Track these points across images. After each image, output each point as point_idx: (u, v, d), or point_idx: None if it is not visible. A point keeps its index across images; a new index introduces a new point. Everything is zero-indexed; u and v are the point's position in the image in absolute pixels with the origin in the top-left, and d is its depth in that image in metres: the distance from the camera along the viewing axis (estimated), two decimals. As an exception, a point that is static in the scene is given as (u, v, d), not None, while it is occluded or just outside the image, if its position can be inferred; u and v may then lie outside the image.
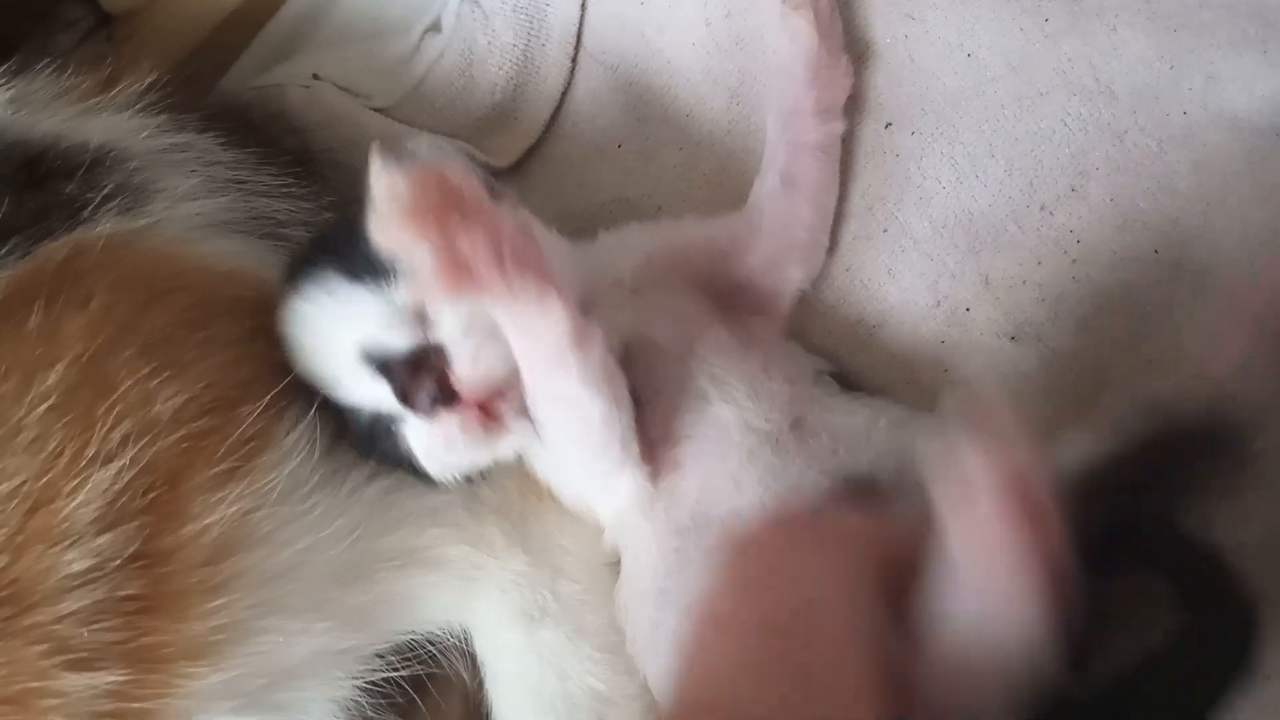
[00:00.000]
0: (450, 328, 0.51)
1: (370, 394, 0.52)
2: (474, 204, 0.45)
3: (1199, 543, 0.48)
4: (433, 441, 0.51)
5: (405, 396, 0.50)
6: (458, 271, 0.45)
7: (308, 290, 0.53)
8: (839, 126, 0.63)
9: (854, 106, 0.65)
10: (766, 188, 0.63)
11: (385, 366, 0.51)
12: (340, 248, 0.53)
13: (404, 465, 0.53)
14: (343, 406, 0.53)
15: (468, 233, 0.45)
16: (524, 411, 0.52)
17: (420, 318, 0.51)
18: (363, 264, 0.51)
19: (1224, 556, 0.47)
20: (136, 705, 0.42)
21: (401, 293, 0.51)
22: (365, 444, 0.54)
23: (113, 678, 0.42)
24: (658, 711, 0.54)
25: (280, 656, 0.46)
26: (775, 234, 0.62)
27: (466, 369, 0.50)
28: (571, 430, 0.53)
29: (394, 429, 0.52)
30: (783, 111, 0.62)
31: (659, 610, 0.55)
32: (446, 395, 0.50)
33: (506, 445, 0.53)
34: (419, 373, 0.50)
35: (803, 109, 0.62)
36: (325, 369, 0.52)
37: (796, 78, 0.62)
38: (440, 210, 0.44)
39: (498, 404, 0.51)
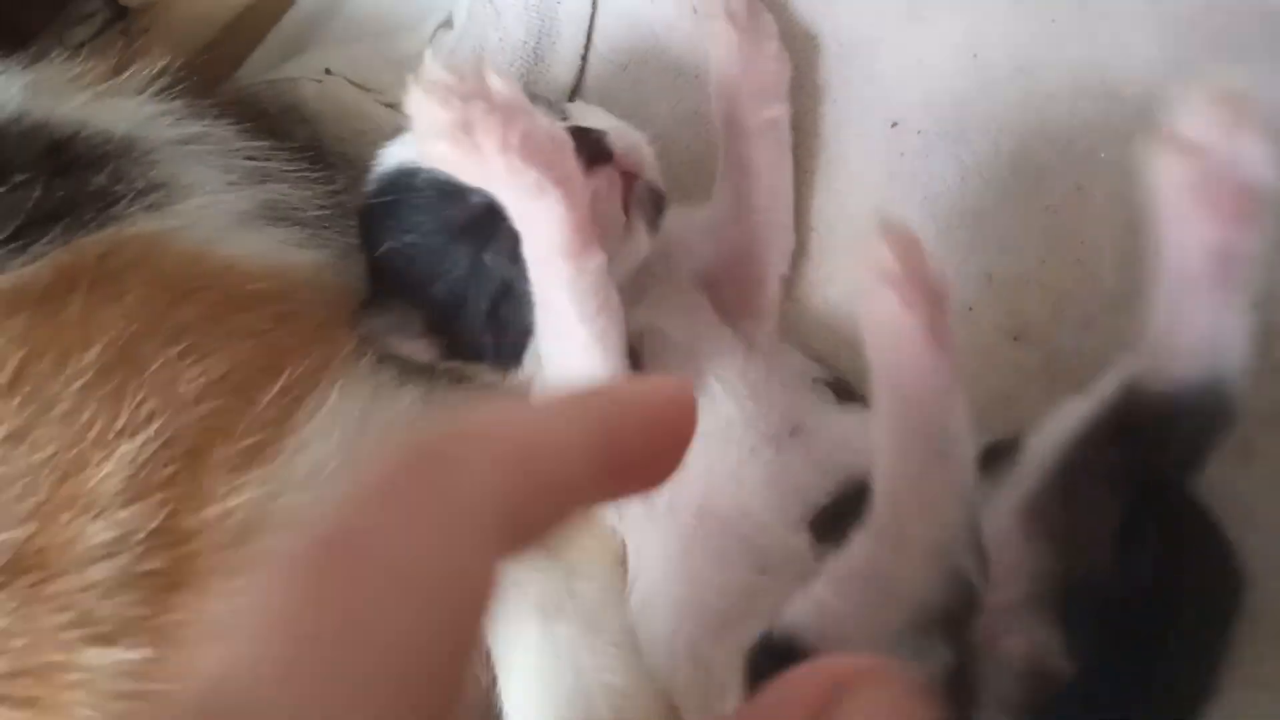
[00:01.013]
0: (597, 122, 0.55)
1: None
2: (503, 97, 0.47)
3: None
4: (578, 203, 0.50)
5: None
6: (464, 146, 0.47)
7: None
8: (779, 110, 0.64)
9: (861, 106, 0.66)
10: (720, 178, 0.64)
11: None
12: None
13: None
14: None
15: (486, 116, 0.47)
16: (651, 224, 0.56)
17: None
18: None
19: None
20: (158, 686, 0.42)
21: (544, 105, 0.54)
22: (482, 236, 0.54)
23: (134, 654, 0.42)
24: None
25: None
26: (736, 221, 0.63)
27: (620, 141, 0.54)
28: (556, 351, 0.54)
29: None
30: (723, 106, 0.64)
31: (666, 608, 0.55)
32: (603, 154, 0.52)
33: (631, 248, 0.55)
34: (580, 131, 0.51)
35: (739, 98, 0.63)
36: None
37: (728, 74, 0.64)
38: (468, 94, 0.47)
39: (636, 192, 0.54)
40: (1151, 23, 0.60)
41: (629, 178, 0.54)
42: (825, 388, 0.60)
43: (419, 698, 0.23)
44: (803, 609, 0.45)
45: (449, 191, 0.54)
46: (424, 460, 0.26)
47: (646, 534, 0.56)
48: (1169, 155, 0.41)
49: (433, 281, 0.56)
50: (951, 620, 0.42)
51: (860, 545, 0.43)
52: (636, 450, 0.29)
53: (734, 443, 0.56)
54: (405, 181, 0.57)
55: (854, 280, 0.43)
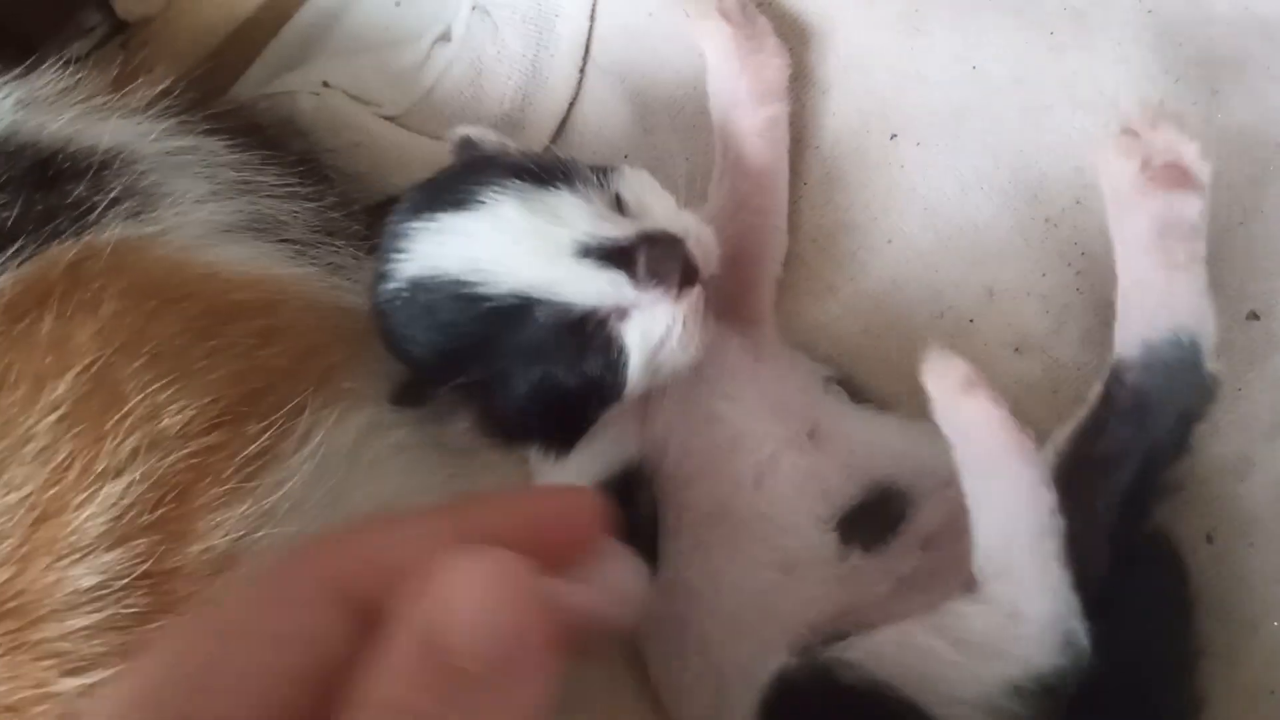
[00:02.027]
0: (662, 212, 0.53)
1: (590, 289, 0.50)
2: None
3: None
4: (670, 326, 0.50)
5: (655, 275, 0.49)
6: None
7: (495, 201, 0.51)
8: (779, 108, 0.63)
9: (861, 118, 0.66)
10: (716, 178, 0.64)
11: (615, 255, 0.50)
12: (508, 164, 0.53)
13: (590, 381, 0.52)
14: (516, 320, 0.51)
15: None
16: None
17: (621, 208, 0.52)
18: (545, 171, 0.52)
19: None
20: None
21: (595, 190, 0.52)
22: (542, 358, 0.52)
23: (104, 673, 0.41)
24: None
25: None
26: (732, 221, 0.63)
27: (697, 246, 0.51)
28: None
29: (604, 329, 0.51)
30: (720, 105, 0.63)
31: (678, 604, 0.54)
32: (690, 273, 0.50)
33: (703, 343, 0.53)
34: (666, 252, 0.50)
35: (739, 99, 0.63)
36: (529, 274, 0.50)
37: (725, 73, 0.63)
38: None
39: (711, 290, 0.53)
40: (1149, 34, 0.60)
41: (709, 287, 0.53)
42: (838, 386, 0.60)
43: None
44: (873, 650, 0.47)
45: (513, 308, 0.51)
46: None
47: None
48: (1115, 148, 0.49)
49: (489, 381, 0.54)
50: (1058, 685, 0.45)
51: (973, 613, 0.46)
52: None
53: (747, 453, 0.56)
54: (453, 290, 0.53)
55: (926, 390, 0.48)
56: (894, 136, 0.65)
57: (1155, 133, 0.48)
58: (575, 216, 0.51)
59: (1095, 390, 0.51)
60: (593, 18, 0.73)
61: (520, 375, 0.52)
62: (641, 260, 0.49)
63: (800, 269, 0.66)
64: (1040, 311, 0.60)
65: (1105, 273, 0.59)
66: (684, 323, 0.50)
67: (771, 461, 0.55)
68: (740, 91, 0.62)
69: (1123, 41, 0.60)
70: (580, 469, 0.55)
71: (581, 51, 0.73)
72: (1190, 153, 0.48)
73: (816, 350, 0.63)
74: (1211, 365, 0.49)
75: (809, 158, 0.67)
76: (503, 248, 0.51)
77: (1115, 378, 0.50)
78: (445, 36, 0.77)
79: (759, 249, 0.63)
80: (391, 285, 0.53)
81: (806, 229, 0.66)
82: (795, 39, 0.68)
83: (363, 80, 0.77)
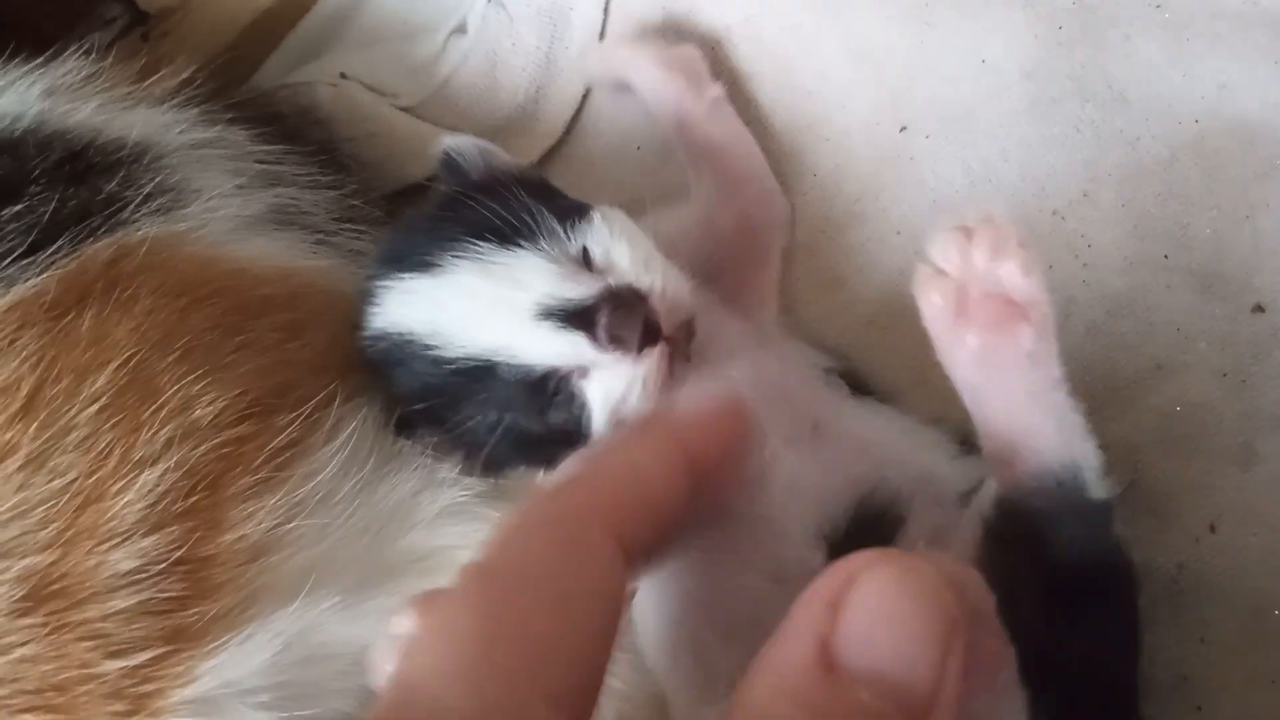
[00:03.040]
0: (628, 267, 0.51)
1: (548, 351, 0.50)
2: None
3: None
4: (629, 385, 0.50)
5: (615, 339, 0.49)
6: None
7: (453, 265, 0.52)
8: (716, 88, 0.66)
9: (871, 110, 0.66)
10: (692, 176, 0.66)
11: (575, 317, 0.50)
12: (472, 219, 0.53)
13: (555, 430, 0.52)
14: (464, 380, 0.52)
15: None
16: (686, 358, 0.53)
17: (586, 267, 0.52)
18: (509, 227, 0.52)
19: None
20: (159, 678, 0.44)
21: (560, 246, 0.52)
22: (509, 412, 0.52)
23: (146, 655, 0.43)
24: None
25: (300, 639, 0.47)
26: (729, 201, 0.64)
27: (662, 303, 0.50)
28: None
29: (565, 386, 0.51)
30: (667, 114, 0.66)
31: (674, 600, 0.55)
32: (652, 332, 0.50)
33: (673, 390, 0.52)
34: (626, 313, 0.49)
35: (678, 97, 0.65)
36: (489, 338, 0.51)
37: (657, 83, 0.66)
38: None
39: (679, 340, 0.52)
40: (1157, 28, 0.60)
41: (673, 341, 0.52)
42: (838, 377, 0.60)
43: (571, 685, 0.30)
44: None
45: (476, 369, 0.52)
46: (553, 506, 0.34)
47: None
48: (924, 284, 0.43)
49: (461, 428, 0.54)
50: None
51: None
52: (711, 461, 0.37)
53: (754, 446, 0.56)
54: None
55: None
56: (903, 129, 0.66)
57: (967, 265, 0.42)
58: (535, 279, 0.51)
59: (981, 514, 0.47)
60: (606, 10, 0.74)
61: (489, 425, 0.53)
62: (602, 322, 0.49)
63: (809, 259, 0.67)
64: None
65: (1112, 265, 0.60)
66: (643, 381, 0.50)
67: (773, 460, 0.56)
68: (677, 91, 0.65)
69: (1130, 36, 0.61)
70: None
71: (595, 43, 0.74)
72: (1011, 277, 0.41)
73: (824, 340, 0.64)
74: (1099, 493, 0.44)
75: (819, 149, 0.67)
76: (463, 313, 0.52)
77: (1002, 510, 0.46)
78: (461, 29, 0.78)
79: (759, 221, 0.65)
80: (368, 334, 0.55)
81: (815, 220, 0.67)
82: (806, 34, 0.69)
83: (380, 71, 0.78)
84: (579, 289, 0.50)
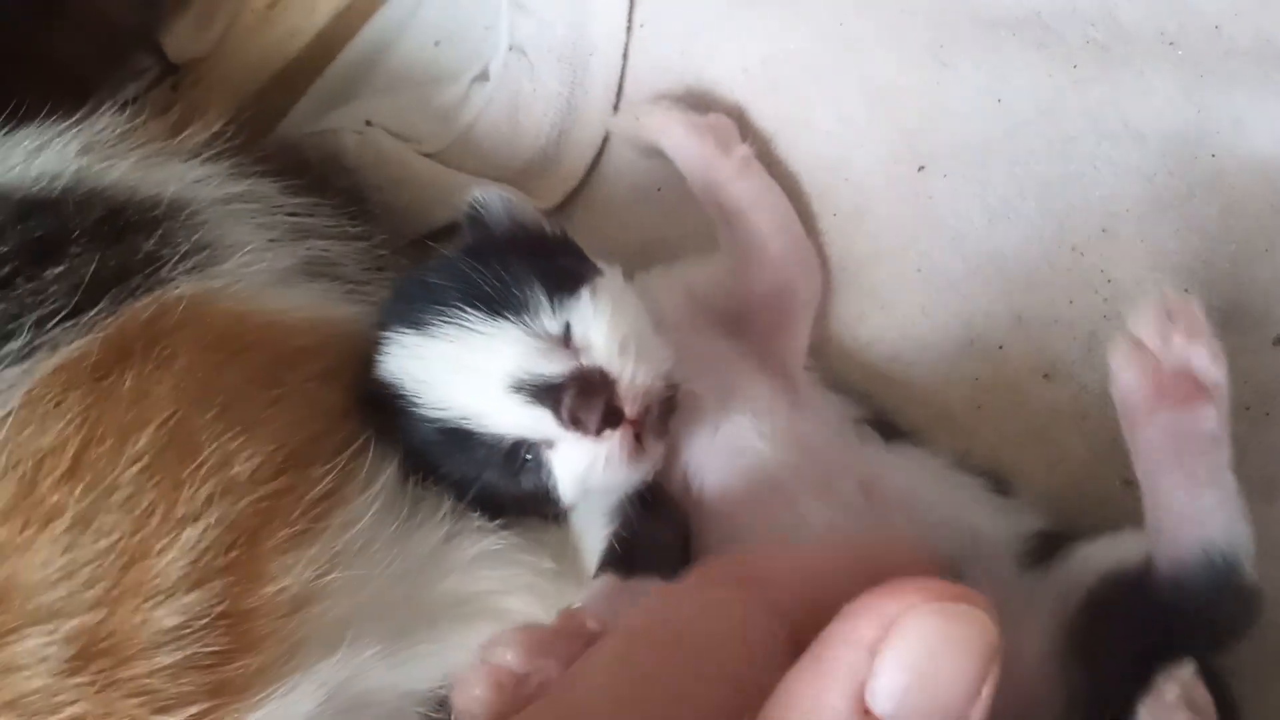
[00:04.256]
0: (603, 349, 0.53)
1: (517, 422, 0.53)
2: None
3: None
4: (591, 462, 0.52)
5: (575, 420, 0.51)
6: None
7: (440, 329, 0.54)
8: (745, 149, 0.67)
9: (889, 150, 0.67)
10: (722, 236, 0.67)
11: (543, 393, 0.52)
12: (466, 284, 0.55)
13: (529, 493, 0.54)
14: (440, 440, 0.54)
15: None
16: (662, 433, 0.55)
17: (565, 343, 0.54)
18: (498, 297, 0.54)
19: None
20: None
21: (543, 321, 0.54)
22: (486, 471, 0.54)
23: (193, 711, 0.44)
24: None
25: (343, 689, 0.48)
26: (762, 261, 0.65)
27: (629, 388, 0.52)
28: None
29: (535, 455, 0.54)
30: (698, 176, 0.68)
31: None
32: (613, 415, 0.52)
33: (645, 464, 0.54)
34: (588, 396, 0.51)
35: (708, 159, 0.67)
36: (463, 403, 0.53)
37: (688, 146, 0.68)
38: None
39: (647, 421, 0.53)
40: (1171, 65, 0.61)
41: (637, 423, 0.53)
42: (869, 428, 0.61)
43: None
44: None
45: (455, 429, 0.54)
46: (733, 574, 0.36)
47: None
48: (1124, 357, 0.47)
49: (454, 482, 0.57)
50: None
51: None
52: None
53: (785, 504, 0.56)
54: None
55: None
56: (922, 168, 0.66)
57: (1165, 343, 0.47)
58: (511, 352, 0.52)
59: (1122, 560, 0.50)
60: (625, 56, 0.75)
61: (468, 481, 0.55)
62: (565, 402, 0.51)
63: (829, 298, 0.67)
64: (1068, 338, 0.61)
65: (1133, 300, 0.60)
66: (605, 459, 0.52)
67: (805, 515, 0.56)
68: (707, 153, 0.67)
69: (1145, 73, 0.62)
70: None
71: (615, 88, 0.75)
72: (1201, 360, 0.46)
73: (846, 378, 0.65)
74: (1251, 578, 0.47)
75: (839, 189, 0.68)
76: (443, 377, 0.54)
77: (1151, 582, 0.48)
78: (483, 75, 0.79)
79: (791, 281, 0.65)
80: (375, 378, 0.57)
81: (836, 258, 0.68)
82: (825, 74, 0.70)
83: (404, 118, 0.79)
84: (550, 366, 0.52)
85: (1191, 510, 0.47)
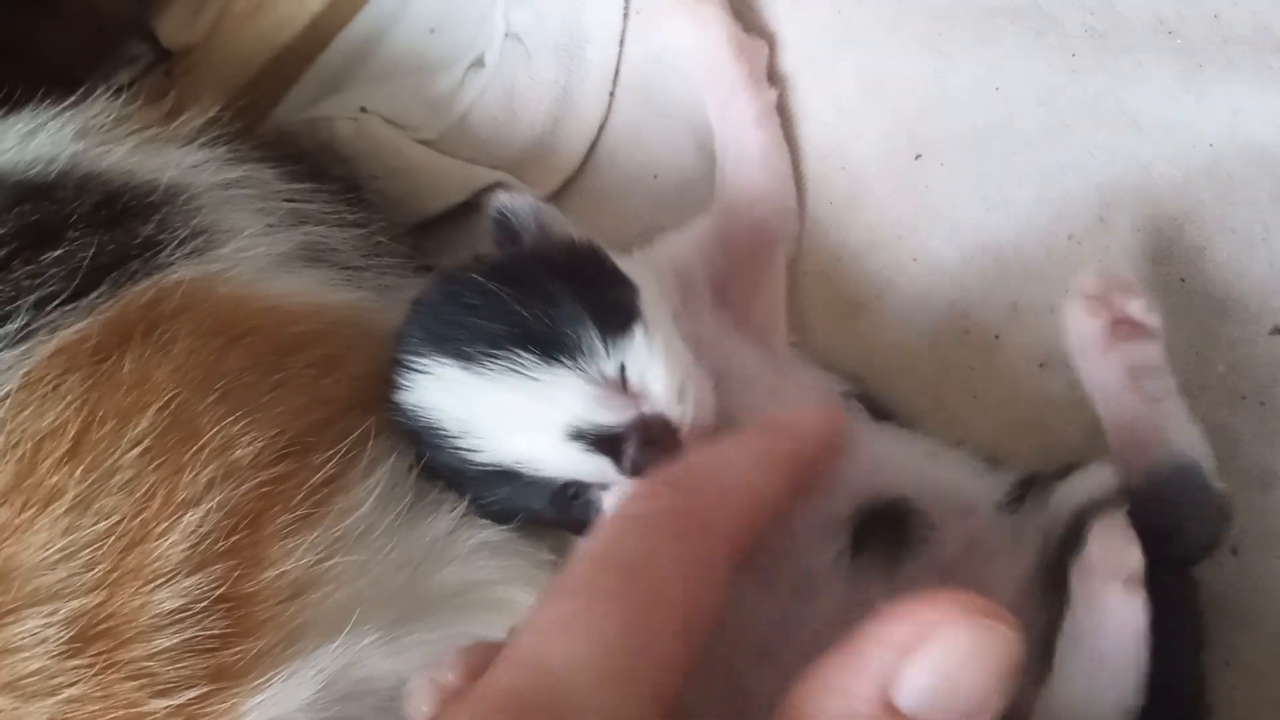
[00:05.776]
0: (662, 395, 0.51)
1: (574, 469, 0.51)
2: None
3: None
4: None
5: (636, 470, 0.49)
6: None
7: (488, 371, 0.51)
8: (772, 94, 0.66)
9: (886, 139, 0.67)
10: (720, 176, 0.66)
11: (604, 443, 0.50)
12: (513, 321, 0.52)
13: (569, 520, 0.53)
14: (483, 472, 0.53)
15: None
16: None
17: (622, 387, 0.51)
18: (552, 339, 0.51)
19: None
20: (204, 716, 0.45)
21: (599, 364, 0.51)
22: (528, 505, 0.53)
23: (191, 693, 0.44)
24: None
25: (342, 675, 0.48)
26: (746, 211, 0.65)
27: (690, 434, 0.51)
28: None
29: (584, 493, 0.52)
30: (719, 96, 0.66)
31: None
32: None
33: None
34: (652, 447, 0.49)
35: (737, 88, 0.65)
36: (516, 451, 0.52)
37: (721, 61, 0.65)
38: None
39: None
40: (1169, 54, 0.61)
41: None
42: (856, 402, 0.61)
43: (676, 704, 0.34)
44: None
45: (500, 471, 0.53)
46: (683, 520, 0.38)
47: None
48: (1076, 310, 0.53)
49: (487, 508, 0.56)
50: None
51: None
52: (814, 476, 0.44)
53: None
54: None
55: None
56: (918, 157, 0.66)
57: (1107, 297, 0.53)
58: (570, 400, 0.50)
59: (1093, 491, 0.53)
60: (622, 44, 0.75)
61: (506, 508, 0.54)
62: (628, 453, 0.49)
63: (825, 287, 0.67)
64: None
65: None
66: None
67: None
68: (739, 80, 0.65)
69: (1144, 62, 0.62)
70: None
71: (611, 77, 0.75)
72: (1138, 308, 0.52)
73: (841, 367, 0.64)
74: (1218, 485, 0.51)
75: (835, 178, 0.68)
76: (495, 422, 0.52)
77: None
78: (479, 63, 0.79)
79: (773, 230, 0.65)
80: (401, 404, 0.54)
81: (832, 248, 0.68)
82: (820, 63, 0.69)
83: (399, 105, 0.79)
84: (610, 415, 0.50)
85: (1152, 423, 0.52)
